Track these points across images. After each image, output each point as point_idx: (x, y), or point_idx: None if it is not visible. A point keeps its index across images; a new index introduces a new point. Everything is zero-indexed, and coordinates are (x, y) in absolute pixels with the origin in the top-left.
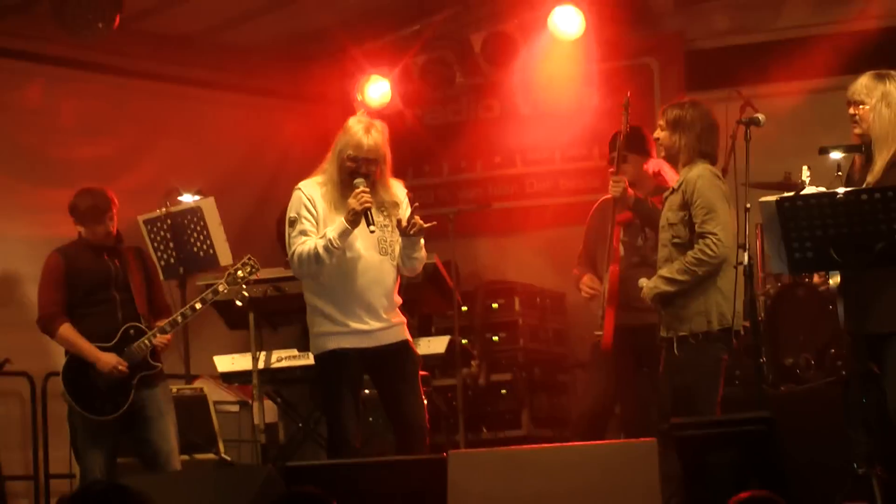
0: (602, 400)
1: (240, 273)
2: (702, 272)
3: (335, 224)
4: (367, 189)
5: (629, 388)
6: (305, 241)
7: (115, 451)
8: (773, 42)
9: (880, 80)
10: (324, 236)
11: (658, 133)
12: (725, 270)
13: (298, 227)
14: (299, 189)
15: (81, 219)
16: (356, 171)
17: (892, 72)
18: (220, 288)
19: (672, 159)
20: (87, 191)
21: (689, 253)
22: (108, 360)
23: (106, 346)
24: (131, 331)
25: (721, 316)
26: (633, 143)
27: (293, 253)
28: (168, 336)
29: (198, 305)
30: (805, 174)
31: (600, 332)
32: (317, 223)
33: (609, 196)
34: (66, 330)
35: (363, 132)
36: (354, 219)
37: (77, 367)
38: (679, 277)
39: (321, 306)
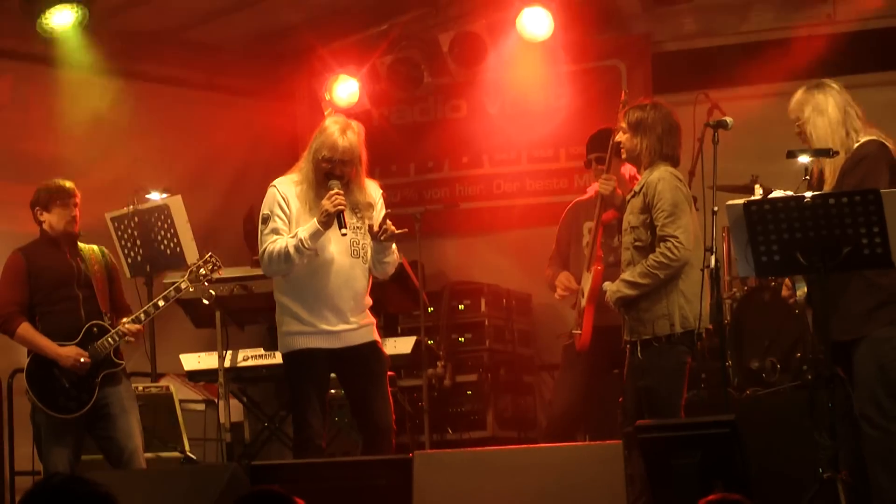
0: (575, 402)
1: (202, 271)
2: (663, 275)
3: (307, 225)
4: (341, 191)
5: (598, 389)
6: (276, 240)
7: (79, 449)
8: (741, 45)
9: (810, 93)
10: (295, 236)
11: (620, 136)
12: (688, 273)
13: (271, 225)
14: (274, 186)
15: (47, 202)
16: (331, 173)
17: (826, 81)
18: (183, 285)
19: (634, 161)
20: (50, 181)
21: (651, 256)
22: (69, 353)
23: (69, 344)
24: (94, 329)
25: (684, 319)
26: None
27: (263, 251)
28: (140, 326)
29: (161, 303)
30: (757, 193)
31: (578, 331)
32: (289, 222)
33: (582, 198)
34: (25, 329)
35: (339, 133)
36: (327, 220)
37: (40, 365)
38: (641, 281)
39: (290, 305)
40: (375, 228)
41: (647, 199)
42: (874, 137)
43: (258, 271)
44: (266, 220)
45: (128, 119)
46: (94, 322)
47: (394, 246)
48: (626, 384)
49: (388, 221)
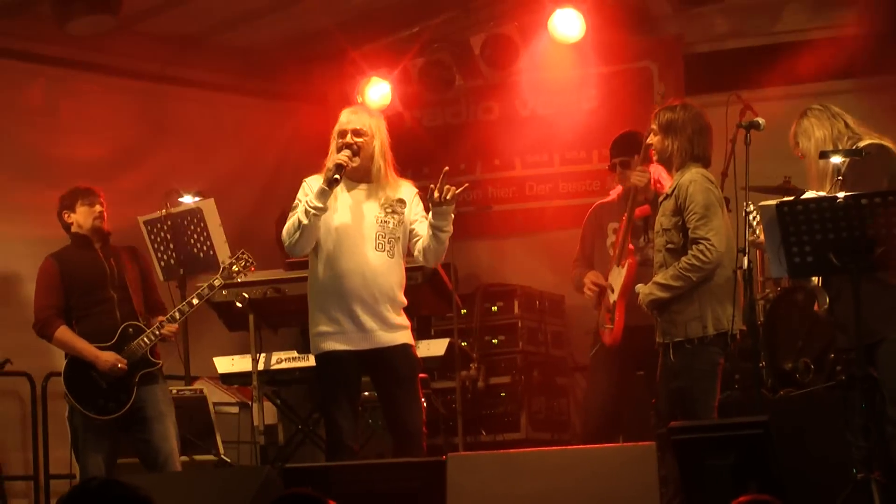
0: (609, 403)
1: (234, 267)
2: (696, 278)
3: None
4: (349, 153)
5: (629, 389)
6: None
7: (115, 451)
8: (773, 46)
9: (798, 122)
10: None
11: (651, 138)
12: (720, 275)
13: (294, 212)
14: (305, 181)
15: (72, 203)
16: (343, 145)
17: (811, 105)
18: (216, 283)
19: (665, 163)
20: (74, 186)
21: (683, 259)
22: (107, 357)
23: (105, 345)
24: (130, 329)
25: (716, 320)
26: (635, 147)
27: (283, 232)
28: (176, 326)
29: (195, 301)
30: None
31: (610, 326)
32: None
33: (605, 200)
34: (62, 332)
35: (349, 111)
36: (329, 176)
37: (78, 367)
38: (673, 283)
39: (318, 306)
40: (437, 194)
41: (678, 202)
42: (874, 140)
43: (291, 274)
44: (293, 209)
45: (160, 122)
46: (130, 322)
47: (451, 215)
48: (658, 386)
49: (447, 185)
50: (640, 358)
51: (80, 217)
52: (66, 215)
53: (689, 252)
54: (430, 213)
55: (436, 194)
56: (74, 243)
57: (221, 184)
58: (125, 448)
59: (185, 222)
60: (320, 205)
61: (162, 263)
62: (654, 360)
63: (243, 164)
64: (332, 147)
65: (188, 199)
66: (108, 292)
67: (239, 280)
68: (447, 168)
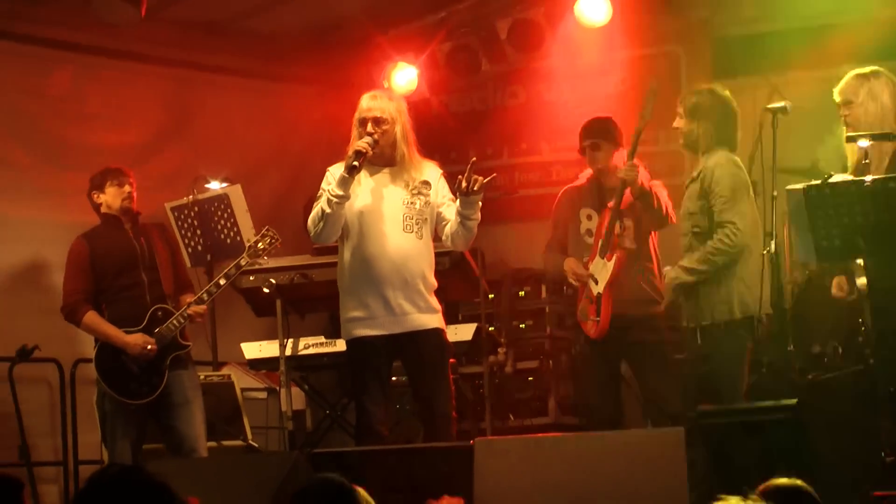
0: (611, 391)
1: (260, 245)
2: (721, 262)
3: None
4: (369, 141)
5: (612, 381)
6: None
7: (142, 437)
8: (800, 29)
9: (865, 78)
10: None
11: (677, 121)
12: (746, 258)
13: (318, 201)
14: (328, 170)
15: (101, 183)
16: (364, 133)
17: (880, 69)
18: (243, 262)
19: (691, 146)
20: (104, 167)
21: (709, 243)
22: (136, 341)
23: (134, 329)
24: (159, 313)
25: (743, 304)
26: (605, 133)
27: (308, 222)
28: (204, 307)
29: (222, 281)
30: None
31: (596, 318)
32: None
33: (574, 184)
34: (91, 318)
35: (368, 97)
36: (349, 164)
37: (108, 353)
38: (699, 267)
39: (349, 291)
40: (465, 184)
41: (704, 185)
42: None
43: (318, 260)
44: (318, 198)
45: (187, 109)
46: (159, 306)
47: (479, 203)
48: (686, 370)
49: (475, 176)
50: (623, 349)
51: (109, 197)
52: (96, 195)
53: (715, 236)
54: (458, 202)
55: (463, 184)
56: (104, 223)
57: (248, 170)
58: (152, 433)
59: (212, 208)
60: (341, 193)
61: (189, 249)
62: (639, 351)
63: (270, 150)
64: (354, 134)
65: (215, 186)
66: (139, 275)
67: (265, 258)
68: (475, 158)
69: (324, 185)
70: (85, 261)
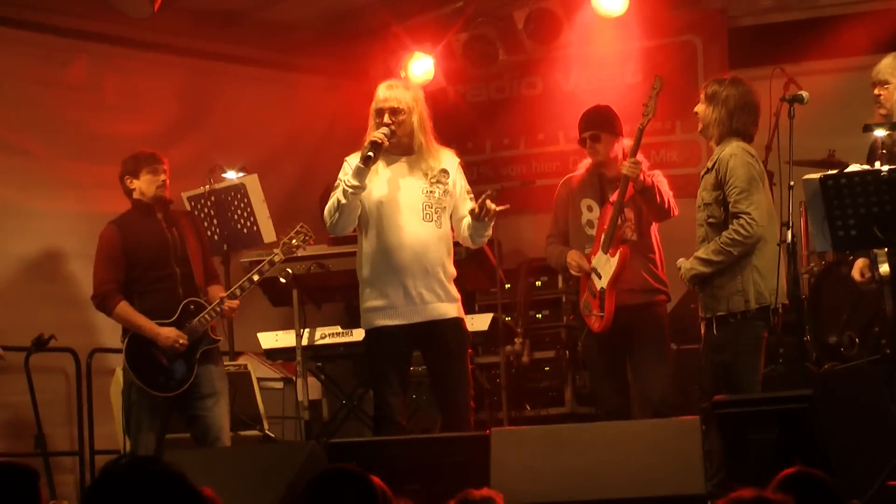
0: (620, 381)
1: (294, 241)
2: (737, 252)
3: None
4: (387, 132)
5: (618, 371)
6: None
7: (165, 429)
8: (817, 19)
9: None
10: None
11: (698, 106)
12: (762, 249)
13: (335, 191)
14: (346, 160)
15: (135, 168)
16: (381, 124)
17: None
18: (276, 258)
19: (705, 133)
20: (136, 151)
21: (724, 233)
22: (168, 333)
23: (166, 322)
24: (191, 306)
25: (759, 294)
26: (605, 123)
27: (325, 212)
28: (237, 302)
29: (255, 277)
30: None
31: (599, 314)
32: None
33: (574, 174)
34: (123, 308)
35: (384, 87)
36: (364, 154)
37: (139, 344)
38: (714, 258)
39: (369, 281)
40: (477, 211)
41: (719, 176)
42: None
43: (335, 249)
44: (335, 188)
45: (204, 99)
46: (192, 299)
47: (491, 225)
48: (702, 360)
49: (489, 201)
50: (624, 338)
51: (144, 184)
52: (129, 181)
53: (731, 226)
54: (470, 219)
55: (476, 210)
56: (136, 211)
57: (265, 159)
58: (174, 423)
59: (229, 198)
60: (357, 183)
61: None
62: (636, 339)
63: (287, 141)
64: (371, 124)
65: (232, 175)
66: (172, 267)
67: (299, 254)
68: (493, 190)
69: (341, 175)
70: (118, 250)
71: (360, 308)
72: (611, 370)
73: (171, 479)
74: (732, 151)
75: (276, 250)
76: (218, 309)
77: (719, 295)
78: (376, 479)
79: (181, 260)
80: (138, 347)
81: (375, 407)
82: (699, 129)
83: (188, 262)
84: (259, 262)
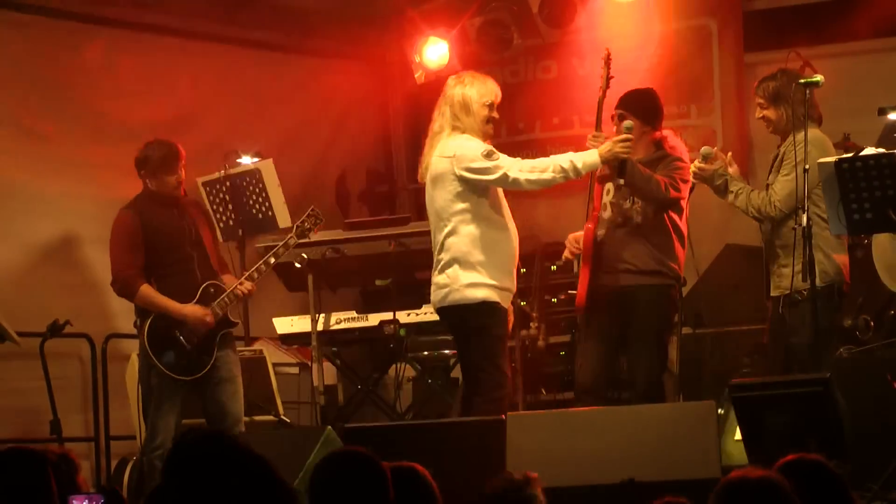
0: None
1: (307, 224)
2: (750, 215)
3: (584, 154)
4: (631, 137)
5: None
6: (538, 160)
7: (182, 413)
8: (832, 2)
9: None
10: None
11: (760, 111)
12: (824, 227)
13: (498, 156)
14: (465, 137)
15: (154, 169)
16: (492, 119)
17: None
18: (291, 241)
19: (781, 132)
20: (158, 141)
21: (761, 194)
22: (195, 311)
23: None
24: (211, 289)
25: (823, 273)
26: (640, 107)
27: (521, 167)
28: (253, 284)
29: (271, 260)
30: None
31: (573, 292)
32: None
33: None
34: (146, 291)
35: (494, 83)
36: (612, 163)
37: (160, 327)
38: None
39: (482, 261)
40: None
41: (780, 157)
42: None
43: (350, 234)
44: (490, 154)
45: (219, 83)
46: (211, 282)
47: None
48: (769, 341)
49: None
50: (619, 319)
51: (160, 184)
52: (145, 175)
53: (762, 193)
54: None
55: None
56: (149, 197)
57: (280, 144)
58: (191, 409)
59: (244, 183)
60: (579, 177)
61: (221, 224)
62: (627, 320)
63: (302, 125)
64: (482, 113)
65: (247, 160)
66: (187, 251)
67: (312, 238)
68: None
69: (505, 159)
70: (136, 234)
71: (458, 283)
72: (589, 350)
73: (244, 452)
74: (810, 139)
75: (290, 234)
76: (237, 291)
77: (786, 273)
78: (421, 469)
79: (196, 243)
80: (159, 331)
81: (497, 384)
82: (770, 130)
83: (203, 245)
84: (274, 247)
